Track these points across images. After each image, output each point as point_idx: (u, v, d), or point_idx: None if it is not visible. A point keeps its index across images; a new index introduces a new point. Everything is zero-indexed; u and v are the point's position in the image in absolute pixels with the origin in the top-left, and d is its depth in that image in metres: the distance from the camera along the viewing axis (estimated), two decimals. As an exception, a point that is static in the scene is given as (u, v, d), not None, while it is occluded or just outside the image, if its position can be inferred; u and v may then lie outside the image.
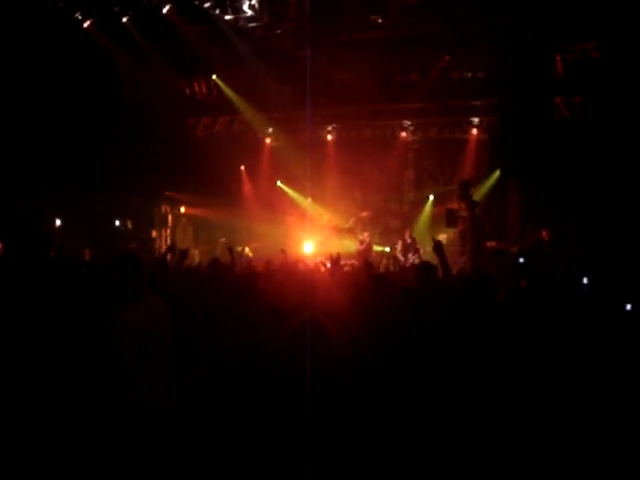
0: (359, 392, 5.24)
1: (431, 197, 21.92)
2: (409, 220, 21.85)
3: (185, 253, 8.69)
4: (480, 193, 19.35)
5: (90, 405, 5.05)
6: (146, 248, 20.29)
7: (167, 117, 20.13)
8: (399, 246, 18.81)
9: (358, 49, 17.95)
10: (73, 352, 5.38)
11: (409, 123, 22.06)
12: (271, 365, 5.50)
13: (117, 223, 20.32)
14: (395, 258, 18.53)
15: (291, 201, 23.22)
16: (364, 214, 22.05)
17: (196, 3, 15.99)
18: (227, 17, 16.46)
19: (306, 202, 22.43)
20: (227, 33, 17.16)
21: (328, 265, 10.58)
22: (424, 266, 7.59)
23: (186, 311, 6.38)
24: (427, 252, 18.21)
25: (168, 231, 22.40)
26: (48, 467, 5.03)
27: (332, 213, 22.35)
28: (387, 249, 20.31)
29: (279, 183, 23.54)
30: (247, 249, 21.34)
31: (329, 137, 23.27)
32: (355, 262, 17.26)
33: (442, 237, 18.93)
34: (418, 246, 18.58)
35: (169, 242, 21.63)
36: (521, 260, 14.39)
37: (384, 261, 18.57)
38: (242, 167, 23.79)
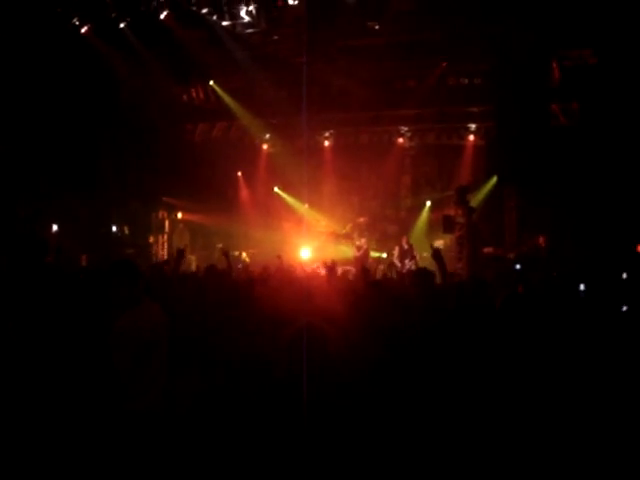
0: (357, 398, 5.24)
1: (428, 203, 21.95)
2: (406, 226, 21.87)
3: (182, 252, 8.67)
4: (477, 199, 19.38)
5: (87, 410, 5.05)
6: (143, 254, 20.27)
7: (164, 123, 20.12)
8: (396, 252, 18.80)
9: (355, 55, 17.99)
10: (70, 357, 5.38)
11: (406, 129, 22.12)
12: (269, 371, 5.50)
13: (114, 229, 20.29)
14: (392, 264, 18.55)
15: (288, 207, 23.24)
16: (361, 220, 22.05)
17: (193, 9, 16.00)
18: (224, 23, 16.48)
19: (303, 208, 22.45)
20: (224, 39, 17.17)
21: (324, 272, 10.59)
22: (421, 272, 7.59)
23: (183, 317, 6.37)
24: (424, 258, 18.23)
25: (165, 237, 22.39)
26: (44, 470, 5.02)
27: (329, 219, 22.35)
28: (384, 255, 20.32)
29: (276, 189, 23.55)
30: (244, 254, 21.34)
31: (326, 143, 23.32)
32: (352, 268, 17.27)
33: (439, 243, 18.98)
34: (415, 252, 18.57)
35: (166, 248, 21.65)
36: (518, 266, 14.43)
37: (381, 267, 18.58)
38: (239, 173, 23.83)
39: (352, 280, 11.13)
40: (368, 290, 7.62)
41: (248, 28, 16.82)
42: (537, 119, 17.06)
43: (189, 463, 5.07)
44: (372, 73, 19.59)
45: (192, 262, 20.07)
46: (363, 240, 19.92)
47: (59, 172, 17.12)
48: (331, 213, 22.47)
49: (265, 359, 5.69)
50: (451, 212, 17.76)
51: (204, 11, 16.02)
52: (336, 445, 4.95)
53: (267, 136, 23.84)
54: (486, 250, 17.15)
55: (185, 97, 21.86)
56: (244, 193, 23.84)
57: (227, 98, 21.05)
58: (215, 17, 16.29)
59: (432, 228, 20.70)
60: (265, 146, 24.20)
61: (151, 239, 21.78)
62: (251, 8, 15.91)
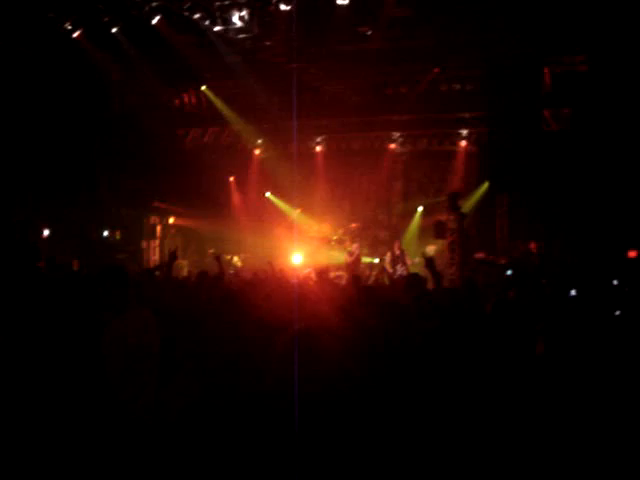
0: (350, 405, 5.22)
1: (420, 208, 21.97)
2: (398, 231, 21.90)
3: (174, 255, 8.64)
4: (469, 205, 19.44)
5: (77, 417, 5.03)
6: (135, 259, 20.25)
7: (156, 128, 20.09)
8: (388, 257, 18.82)
9: (347, 61, 17.99)
10: (60, 364, 5.35)
11: (398, 135, 22.15)
12: (261, 378, 5.48)
13: (106, 234, 20.26)
14: (384, 270, 18.55)
15: (280, 212, 23.24)
16: (353, 225, 22.06)
17: (186, 14, 15.99)
18: (217, 28, 16.46)
19: (295, 213, 22.46)
20: (217, 44, 17.15)
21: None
22: (412, 278, 7.61)
23: (174, 323, 6.35)
24: (416, 264, 18.27)
25: (157, 242, 22.36)
26: (34, 477, 4.99)
27: (321, 224, 22.35)
28: (376, 260, 20.32)
29: (268, 194, 23.56)
30: (235, 258, 21.33)
31: (318, 148, 23.32)
32: (344, 273, 17.27)
33: (431, 248, 19.02)
34: (407, 258, 18.59)
35: (158, 253, 21.62)
36: (509, 272, 14.46)
37: (373, 273, 18.59)
38: (231, 178, 23.83)
39: (344, 285, 11.12)
40: (360, 295, 7.62)
41: (240, 33, 16.80)
42: (529, 125, 17.11)
43: (180, 471, 5.05)
44: (364, 79, 19.63)
45: (184, 267, 20.06)
46: (355, 245, 19.92)
47: (51, 177, 17.09)
48: (323, 218, 22.47)
49: (257, 366, 5.68)
50: (443, 218, 17.80)
51: (196, 16, 16.00)
52: (329, 453, 4.93)
53: (259, 141, 23.82)
54: (478, 255, 17.18)
55: (177, 102, 21.83)
56: (236, 198, 23.83)
57: (219, 103, 21.05)
58: (207, 22, 16.28)
59: (424, 234, 20.73)
60: (257, 151, 24.19)
61: (143, 244, 21.75)
62: (243, 13, 15.91)
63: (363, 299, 7.30)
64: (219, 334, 6.33)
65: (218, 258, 10.41)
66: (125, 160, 19.74)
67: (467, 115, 20.32)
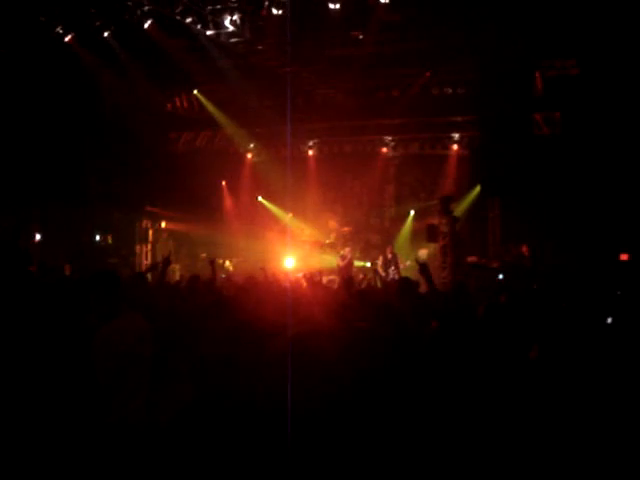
0: (344, 409, 5.22)
1: (412, 212, 21.99)
2: (390, 235, 21.93)
3: (167, 260, 8.62)
4: (461, 208, 19.47)
5: (67, 423, 5.01)
6: (127, 263, 20.22)
7: (148, 132, 20.06)
8: (380, 261, 18.82)
9: (339, 65, 18.02)
10: (50, 369, 5.33)
11: (390, 139, 22.17)
12: (254, 381, 5.47)
13: (98, 238, 20.23)
14: (377, 273, 18.55)
15: (272, 216, 23.23)
16: (345, 229, 22.08)
17: (177, 18, 15.97)
18: (209, 32, 16.45)
19: (287, 217, 22.45)
20: (209, 48, 17.16)
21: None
22: (404, 282, 7.61)
23: (166, 327, 6.34)
24: (408, 267, 18.31)
25: (149, 246, 22.33)
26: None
27: (313, 228, 22.36)
28: (368, 264, 20.32)
29: (260, 198, 23.55)
30: (227, 262, 21.31)
31: (310, 152, 23.32)
32: (337, 277, 17.27)
33: (423, 252, 19.04)
34: (399, 262, 18.61)
35: (150, 257, 21.58)
36: (500, 276, 14.49)
37: (366, 277, 18.58)
38: (223, 182, 23.81)
39: (336, 290, 11.12)
40: (352, 299, 7.62)
41: (232, 37, 16.80)
42: (520, 129, 17.14)
43: (171, 476, 5.03)
44: (356, 83, 19.67)
45: (176, 271, 20.03)
46: (347, 249, 19.90)
47: (42, 181, 17.05)
48: (315, 222, 22.48)
49: (251, 370, 5.66)
50: (435, 221, 17.82)
51: (188, 20, 15.98)
52: (323, 457, 4.93)
53: (251, 145, 23.84)
54: (470, 259, 17.19)
55: (169, 106, 21.83)
56: (228, 202, 23.82)
57: (211, 107, 21.06)
58: (199, 26, 16.27)
59: (416, 237, 20.76)
60: (249, 155, 24.20)
61: (135, 248, 21.72)
62: (235, 17, 15.89)
63: (356, 303, 7.30)
64: (212, 338, 6.33)
65: (212, 262, 10.41)
66: (117, 164, 19.72)
67: (459, 119, 20.38)
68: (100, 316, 5.08)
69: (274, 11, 15.29)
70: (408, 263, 19.15)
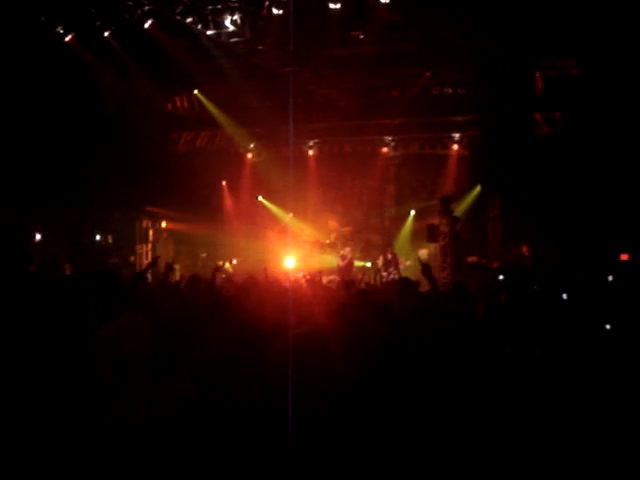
0: (345, 408, 5.22)
1: (412, 212, 21.97)
2: (390, 235, 21.92)
3: (170, 266, 8.67)
4: (461, 208, 19.46)
5: (67, 422, 5.01)
6: (127, 263, 20.21)
7: (148, 132, 20.05)
8: (380, 261, 18.82)
9: (340, 65, 18.01)
10: (50, 369, 5.33)
11: (390, 138, 22.16)
12: (254, 382, 5.47)
13: (98, 238, 20.21)
14: (378, 273, 18.56)
15: (272, 216, 23.22)
16: (345, 229, 22.07)
17: (178, 18, 15.95)
18: (209, 32, 16.43)
19: (287, 217, 22.46)
20: (209, 48, 17.15)
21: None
22: (404, 282, 7.61)
23: (166, 327, 6.34)
24: (408, 267, 18.32)
25: (149, 246, 22.31)
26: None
27: (313, 228, 22.35)
28: (368, 264, 20.32)
29: (260, 198, 23.54)
30: (227, 264, 21.29)
31: (310, 152, 23.31)
32: (337, 277, 17.26)
33: (424, 252, 19.02)
34: (399, 262, 18.61)
35: (150, 257, 21.56)
36: (501, 277, 14.48)
37: (366, 277, 18.59)
38: (224, 182, 23.80)
39: (336, 289, 11.12)
40: (352, 299, 7.61)
41: (233, 37, 16.77)
42: (520, 128, 17.12)
43: (172, 476, 5.03)
44: (356, 83, 19.66)
45: (176, 271, 20.01)
46: (347, 249, 19.89)
47: (43, 181, 17.04)
48: (315, 222, 22.47)
49: (252, 369, 5.66)
50: (435, 221, 17.83)
51: (188, 20, 15.96)
52: (324, 457, 4.92)
53: (251, 145, 23.84)
54: (470, 259, 17.19)
55: (169, 106, 21.82)
56: (228, 202, 23.82)
57: (211, 107, 21.06)
58: (199, 26, 16.25)
59: (416, 237, 20.75)
60: (249, 155, 24.19)
61: (135, 248, 21.70)
62: (236, 17, 15.87)
63: (356, 302, 7.30)
64: (212, 338, 6.32)
65: (217, 270, 10.41)
66: (117, 164, 19.69)
67: (459, 119, 20.36)
68: (100, 316, 5.09)
69: (274, 11, 15.28)
70: (408, 263, 19.15)
